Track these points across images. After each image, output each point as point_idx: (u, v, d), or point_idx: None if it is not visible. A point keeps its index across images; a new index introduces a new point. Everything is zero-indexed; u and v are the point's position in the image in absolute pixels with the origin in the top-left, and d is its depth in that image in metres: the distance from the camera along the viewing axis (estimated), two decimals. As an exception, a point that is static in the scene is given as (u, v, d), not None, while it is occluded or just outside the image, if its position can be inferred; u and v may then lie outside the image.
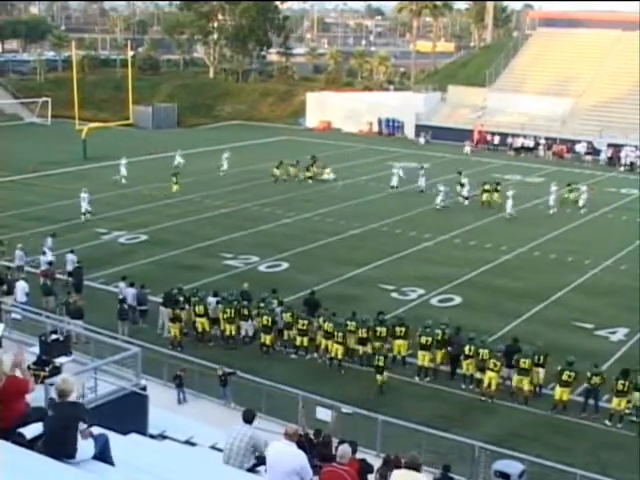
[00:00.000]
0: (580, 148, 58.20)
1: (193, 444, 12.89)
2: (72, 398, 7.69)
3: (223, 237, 34.57)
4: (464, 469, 15.89)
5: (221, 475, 9.75)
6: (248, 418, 10.34)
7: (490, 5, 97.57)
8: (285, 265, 31.22)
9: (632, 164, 55.51)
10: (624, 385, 19.40)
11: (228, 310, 23.38)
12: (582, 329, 25.35)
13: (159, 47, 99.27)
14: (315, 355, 22.90)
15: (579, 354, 21.40)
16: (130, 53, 66.80)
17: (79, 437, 7.59)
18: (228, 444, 10.18)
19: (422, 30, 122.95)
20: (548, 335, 23.54)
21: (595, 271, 31.48)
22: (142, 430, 12.02)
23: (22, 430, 7.73)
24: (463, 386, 21.30)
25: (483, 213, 40.08)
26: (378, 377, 20.78)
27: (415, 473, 8.60)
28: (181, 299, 24.04)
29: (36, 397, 9.23)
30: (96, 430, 7.97)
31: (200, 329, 23.64)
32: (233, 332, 23.42)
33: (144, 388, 13.08)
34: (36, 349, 14.83)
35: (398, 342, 22.14)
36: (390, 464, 13.15)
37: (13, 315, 18.99)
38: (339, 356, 22.07)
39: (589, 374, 19.88)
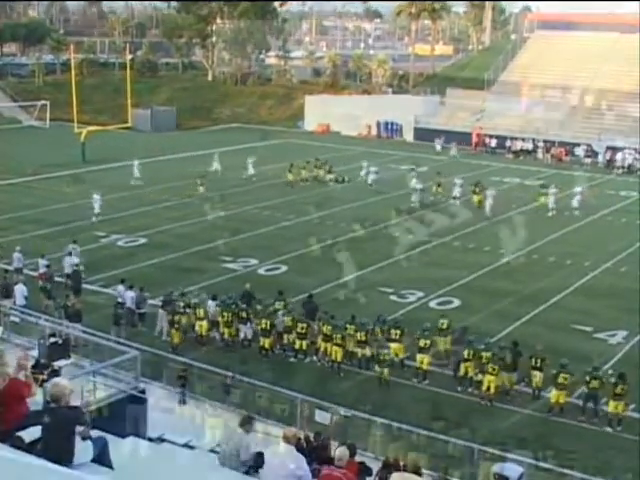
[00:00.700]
0: (579, 151, 58.27)
1: (192, 447, 12.88)
2: (70, 402, 7.68)
3: (222, 240, 34.55)
4: (463, 472, 15.86)
5: (219, 478, 9.75)
6: (242, 422, 10.40)
7: (488, 8, 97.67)
8: (284, 268, 31.20)
9: (630, 166, 55.53)
10: (622, 389, 19.37)
11: (226, 313, 23.39)
12: (581, 332, 25.32)
13: (158, 50, 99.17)
14: (314, 358, 22.89)
15: (578, 357, 21.41)
16: (129, 56, 66.67)
17: (77, 440, 7.58)
18: (221, 448, 10.35)
19: (421, 33, 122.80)
20: (547, 338, 23.49)
21: (594, 273, 31.48)
22: (141, 433, 12.01)
23: (21, 433, 7.72)
24: (459, 389, 21.27)
25: (482, 215, 40.07)
26: (385, 370, 21.06)
27: (415, 476, 8.60)
28: (181, 304, 24.03)
29: (35, 400, 9.22)
30: (95, 433, 7.96)
31: (200, 332, 23.62)
32: (232, 335, 23.40)
33: (143, 391, 13.08)
34: (35, 352, 14.82)
35: (394, 345, 22.14)
36: (389, 467, 13.14)
37: (12, 318, 18.97)
38: (338, 359, 22.08)
39: (588, 378, 19.85)
